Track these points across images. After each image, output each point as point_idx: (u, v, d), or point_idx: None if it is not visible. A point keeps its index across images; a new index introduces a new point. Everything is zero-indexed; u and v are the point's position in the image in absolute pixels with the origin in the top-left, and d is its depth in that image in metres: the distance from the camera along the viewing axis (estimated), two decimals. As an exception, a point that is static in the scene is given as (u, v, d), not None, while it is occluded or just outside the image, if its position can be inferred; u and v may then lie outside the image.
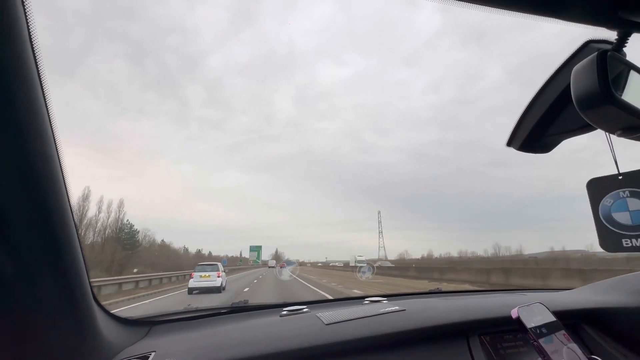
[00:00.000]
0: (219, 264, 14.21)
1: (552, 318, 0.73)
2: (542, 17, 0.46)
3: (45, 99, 0.48)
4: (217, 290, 12.73)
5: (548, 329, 0.70)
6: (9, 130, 0.44)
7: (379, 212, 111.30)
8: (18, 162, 0.47)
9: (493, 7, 0.44)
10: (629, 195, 0.59)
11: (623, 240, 0.58)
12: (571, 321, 1.00)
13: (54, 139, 0.51)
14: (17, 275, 0.51)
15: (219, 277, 13.08)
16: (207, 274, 13.11)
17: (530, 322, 0.69)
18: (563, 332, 0.71)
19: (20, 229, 0.49)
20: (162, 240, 49.14)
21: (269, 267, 59.55)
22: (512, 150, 0.73)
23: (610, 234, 0.60)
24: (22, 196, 0.48)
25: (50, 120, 0.49)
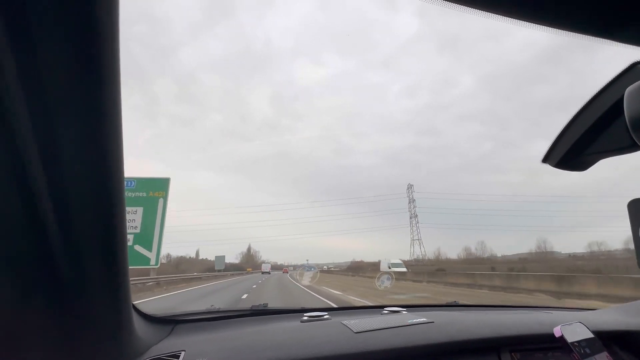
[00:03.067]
0: None
1: (594, 338, 0.72)
2: (596, 39, 0.47)
3: (120, 99, 0.49)
4: None
5: (591, 349, 0.69)
6: (93, 129, 0.46)
7: (411, 186, 73.43)
8: (95, 168, 0.48)
9: (547, 26, 0.45)
10: None
11: None
12: (602, 342, 0.98)
13: (122, 148, 0.52)
14: (74, 276, 0.53)
15: None
16: None
17: (574, 341, 0.69)
18: (606, 353, 0.70)
19: (87, 229, 0.52)
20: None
21: (262, 272, 45.82)
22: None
23: None
24: (93, 196, 0.50)
25: (121, 121, 0.50)
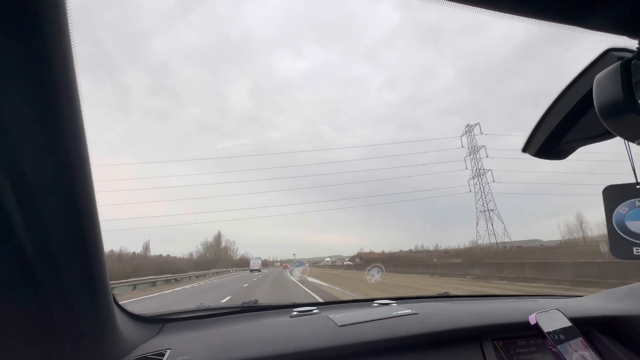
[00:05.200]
0: None
1: (570, 325, 0.73)
2: (566, 26, 0.47)
3: (80, 100, 0.49)
4: None
5: (566, 336, 0.70)
6: (53, 132, 0.45)
7: (471, 128, 44.15)
8: (58, 164, 0.48)
9: (518, 15, 0.45)
10: None
11: (634, 248, 0.59)
12: (584, 328, 1.00)
13: (86, 142, 0.51)
14: (48, 273, 0.52)
15: None
16: None
17: (548, 328, 0.70)
18: (581, 339, 0.71)
19: (56, 229, 0.51)
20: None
21: (252, 270, 35.42)
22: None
23: (622, 242, 0.60)
24: (59, 198, 0.49)
25: (84, 122, 0.50)
